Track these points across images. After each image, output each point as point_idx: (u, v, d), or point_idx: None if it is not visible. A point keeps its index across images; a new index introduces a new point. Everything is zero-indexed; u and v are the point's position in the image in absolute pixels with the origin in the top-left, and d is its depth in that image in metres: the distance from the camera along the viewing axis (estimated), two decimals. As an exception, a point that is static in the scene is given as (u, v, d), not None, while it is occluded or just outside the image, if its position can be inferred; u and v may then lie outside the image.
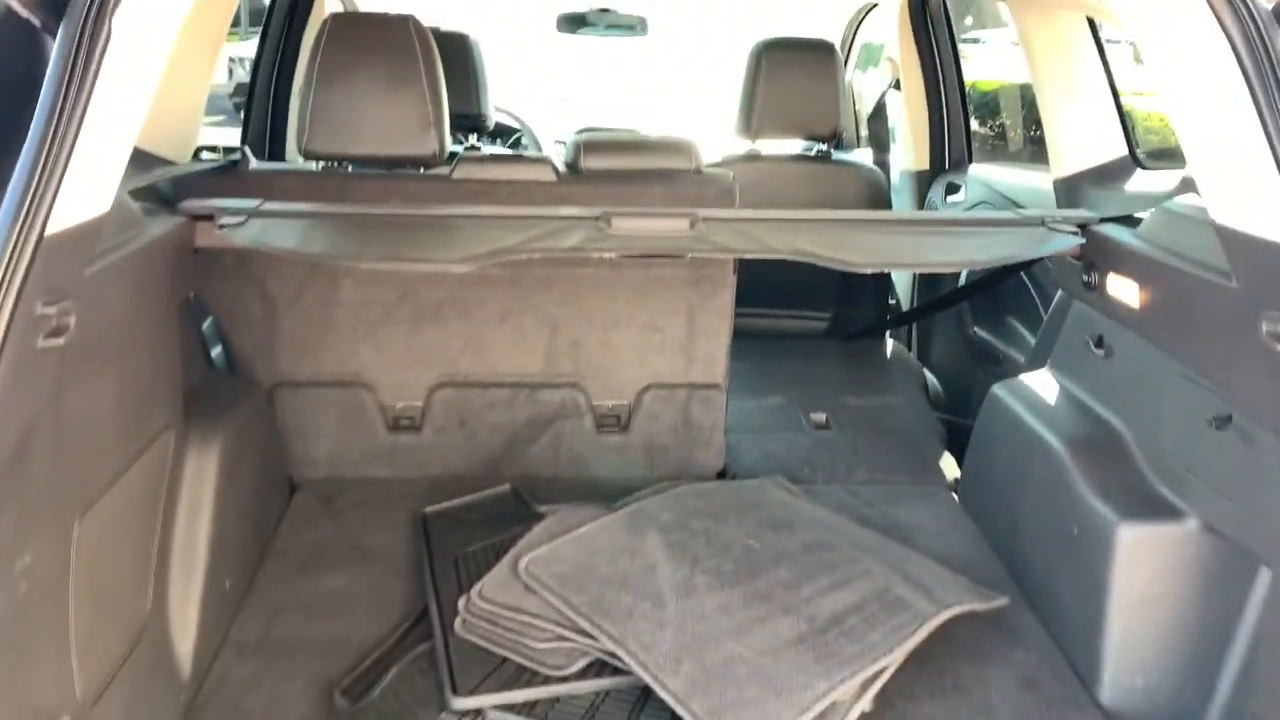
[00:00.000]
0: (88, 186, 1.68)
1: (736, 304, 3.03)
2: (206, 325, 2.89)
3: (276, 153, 4.00)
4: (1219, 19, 1.76)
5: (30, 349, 1.53)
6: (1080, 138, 2.89)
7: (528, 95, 6.84)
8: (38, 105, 1.59)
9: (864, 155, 4.83)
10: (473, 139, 4.76)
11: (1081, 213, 2.57)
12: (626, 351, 3.02)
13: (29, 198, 1.52)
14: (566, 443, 3.08)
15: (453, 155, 2.92)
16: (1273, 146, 1.71)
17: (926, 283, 4.25)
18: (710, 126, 5.68)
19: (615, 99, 7.31)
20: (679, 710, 1.97)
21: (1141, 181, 2.81)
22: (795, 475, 3.12)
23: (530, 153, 5.66)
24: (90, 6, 1.64)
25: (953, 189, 4.14)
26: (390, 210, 2.47)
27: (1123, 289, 2.34)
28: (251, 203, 2.41)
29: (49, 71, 1.61)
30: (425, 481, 3.03)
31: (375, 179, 2.76)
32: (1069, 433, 2.49)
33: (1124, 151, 2.87)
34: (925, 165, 4.38)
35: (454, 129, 4.56)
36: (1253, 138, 1.74)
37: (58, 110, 1.58)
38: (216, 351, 2.94)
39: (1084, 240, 2.48)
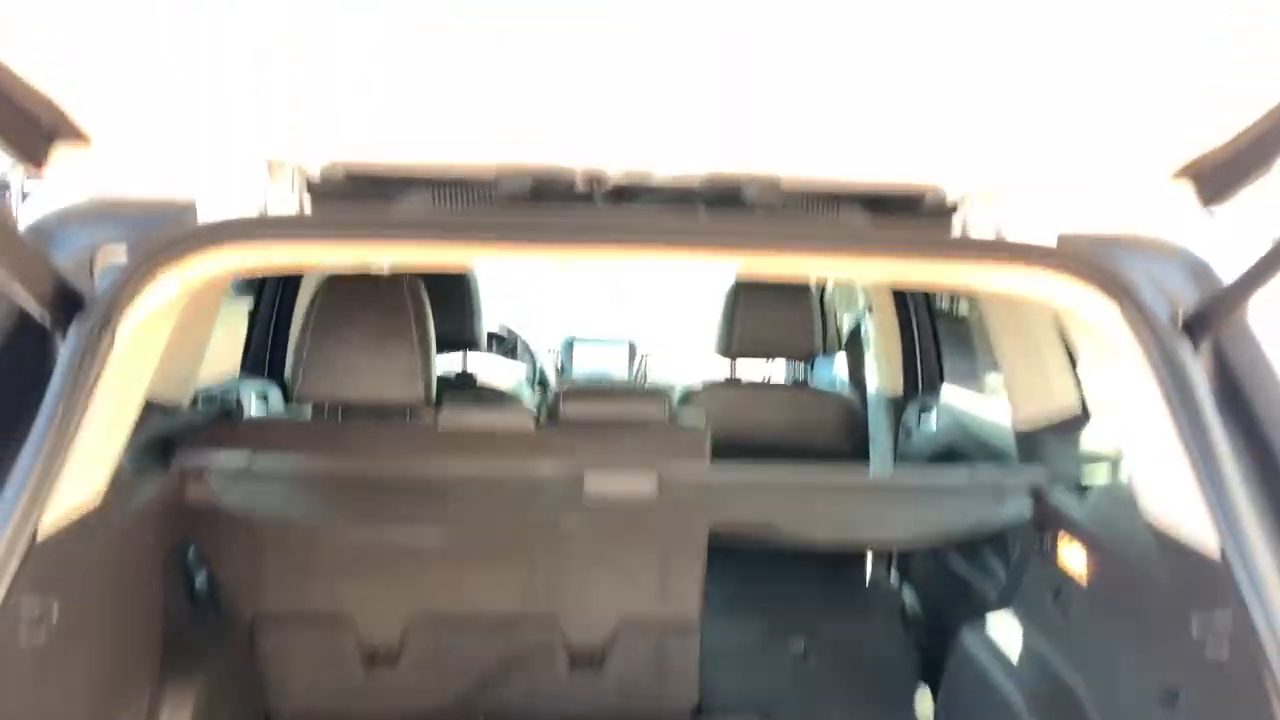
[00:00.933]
0: (81, 483, 1.77)
1: None
2: (190, 555, 2.96)
3: (276, 374, 4.17)
4: (1131, 328, 1.92)
5: (12, 649, 1.59)
6: (1039, 397, 3.02)
7: (524, 301, 7.13)
8: (40, 412, 1.67)
9: (843, 366, 5.00)
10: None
11: (1034, 478, 2.68)
12: (602, 590, 3.09)
13: (23, 503, 1.60)
14: (541, 680, 3.11)
15: (443, 382, 3.05)
16: (1186, 449, 1.82)
17: None
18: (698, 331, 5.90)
19: (608, 306, 7.63)
20: None
21: (1097, 438, 2.93)
22: (771, 710, 3.13)
23: (514, 385, 5.90)
24: (100, 315, 1.77)
25: (926, 408, 4.28)
26: (373, 465, 2.59)
27: (1071, 556, 2.43)
28: (242, 455, 2.53)
29: (55, 378, 1.68)
30: (400, 718, 3.05)
31: (362, 429, 2.89)
32: (1030, 688, 2.52)
33: (1079, 411, 3.01)
34: (899, 389, 4.52)
35: (447, 349, 4.78)
36: (1169, 441, 1.85)
37: (58, 416, 1.67)
38: (200, 579, 3.00)
39: (1034, 509, 2.59)
